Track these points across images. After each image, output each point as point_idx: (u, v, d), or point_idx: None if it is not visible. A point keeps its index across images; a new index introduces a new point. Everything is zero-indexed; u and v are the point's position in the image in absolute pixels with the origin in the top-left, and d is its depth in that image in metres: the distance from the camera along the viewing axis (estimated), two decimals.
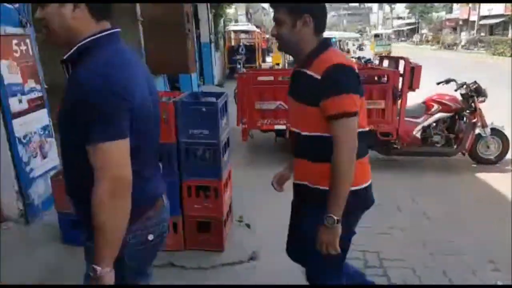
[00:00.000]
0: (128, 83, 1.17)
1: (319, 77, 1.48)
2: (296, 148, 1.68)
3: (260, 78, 5.00)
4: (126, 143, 1.16)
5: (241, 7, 21.47)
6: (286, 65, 13.45)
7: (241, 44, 14.81)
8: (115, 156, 1.13)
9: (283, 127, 4.57)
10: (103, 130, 1.12)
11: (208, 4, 11.06)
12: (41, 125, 3.37)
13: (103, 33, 1.20)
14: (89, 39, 1.18)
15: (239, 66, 13.45)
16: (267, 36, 20.36)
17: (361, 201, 1.64)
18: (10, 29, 2.96)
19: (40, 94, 3.35)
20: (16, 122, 3.06)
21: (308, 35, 1.55)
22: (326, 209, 1.50)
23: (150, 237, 1.33)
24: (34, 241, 3.00)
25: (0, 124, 2.99)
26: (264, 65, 16.05)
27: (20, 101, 3.11)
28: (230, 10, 17.55)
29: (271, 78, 5.09)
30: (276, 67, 14.30)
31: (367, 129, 1.66)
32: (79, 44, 1.18)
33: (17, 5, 2.97)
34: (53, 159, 3.54)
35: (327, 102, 1.46)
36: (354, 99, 1.48)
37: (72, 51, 1.19)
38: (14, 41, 3.01)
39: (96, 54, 1.17)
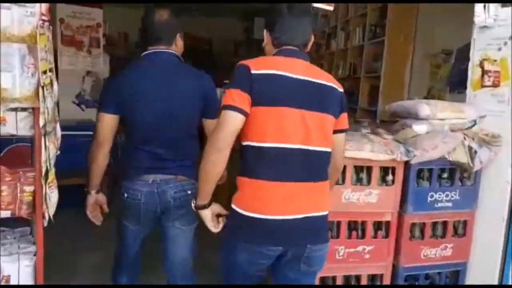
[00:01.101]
0: (122, 82, 1.76)
1: None
2: None
3: None
4: (106, 116, 1.74)
5: None
6: None
7: None
8: (98, 123, 1.76)
9: None
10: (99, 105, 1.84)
11: None
12: None
13: (144, 53, 1.81)
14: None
15: None
16: None
17: (239, 228, 1.44)
18: None
19: None
20: None
21: (269, 50, 1.54)
22: None
23: (125, 194, 1.80)
24: None
25: None
26: None
27: None
28: None
29: None
30: None
31: (268, 144, 1.39)
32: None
33: None
34: None
35: None
36: (232, 93, 1.37)
37: None
38: None
39: None
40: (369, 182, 2.07)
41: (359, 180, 2.07)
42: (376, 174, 2.07)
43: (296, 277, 1.51)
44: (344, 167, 2.02)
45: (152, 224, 1.90)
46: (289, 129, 1.40)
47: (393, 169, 2.09)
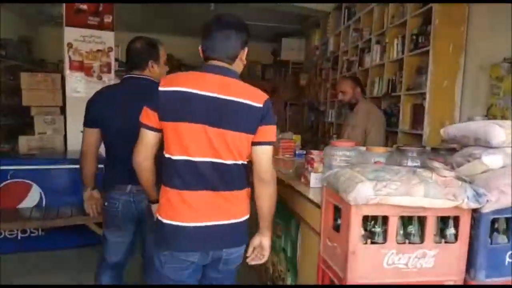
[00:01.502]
0: (97, 100, 2.05)
1: None
2: None
3: None
4: (87, 130, 2.05)
5: None
6: None
7: None
8: (83, 135, 2.07)
9: None
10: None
11: None
12: None
13: (123, 77, 2.11)
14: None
15: None
16: None
17: (161, 236, 1.56)
18: None
19: None
20: None
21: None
22: None
23: (105, 203, 2.08)
24: None
25: None
26: None
27: None
28: None
29: None
30: None
31: (175, 157, 1.50)
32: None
33: None
34: None
35: None
36: (144, 110, 1.53)
37: None
38: None
39: None
40: (422, 239, 1.45)
41: (407, 236, 1.46)
42: (431, 227, 1.44)
43: (215, 275, 1.66)
44: (385, 218, 1.42)
45: (131, 233, 2.14)
46: (190, 143, 1.48)
47: (456, 219, 1.47)
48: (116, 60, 4.44)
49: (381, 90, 4.20)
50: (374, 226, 1.44)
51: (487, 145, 1.56)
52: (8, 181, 3.38)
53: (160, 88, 1.47)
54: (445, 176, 1.46)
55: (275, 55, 8.40)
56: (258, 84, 1.61)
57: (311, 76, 7.02)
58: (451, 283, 1.50)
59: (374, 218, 1.44)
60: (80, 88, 4.17)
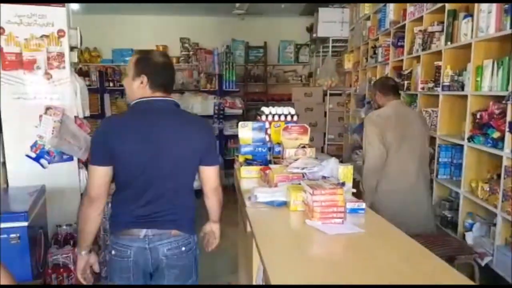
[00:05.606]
0: (110, 133, 1.61)
1: None
2: None
3: None
4: (98, 168, 1.58)
5: None
6: None
7: None
8: (90, 177, 1.61)
9: None
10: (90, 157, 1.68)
11: None
12: None
13: (142, 99, 1.63)
14: (134, 102, 1.66)
15: None
16: None
17: None
18: None
19: None
20: None
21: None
22: None
23: (113, 252, 1.67)
24: None
25: None
26: None
27: None
28: None
29: None
30: None
31: None
32: (131, 102, 1.69)
33: None
34: None
35: None
36: None
37: None
38: None
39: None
40: None
41: None
42: None
43: None
44: None
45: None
46: None
47: None
48: (74, 48, 3.01)
49: (500, 85, 2.50)
50: None
51: None
52: None
53: None
54: None
55: (311, 32, 6.76)
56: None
57: (359, 57, 5.32)
58: None
59: None
60: (19, 91, 2.79)
